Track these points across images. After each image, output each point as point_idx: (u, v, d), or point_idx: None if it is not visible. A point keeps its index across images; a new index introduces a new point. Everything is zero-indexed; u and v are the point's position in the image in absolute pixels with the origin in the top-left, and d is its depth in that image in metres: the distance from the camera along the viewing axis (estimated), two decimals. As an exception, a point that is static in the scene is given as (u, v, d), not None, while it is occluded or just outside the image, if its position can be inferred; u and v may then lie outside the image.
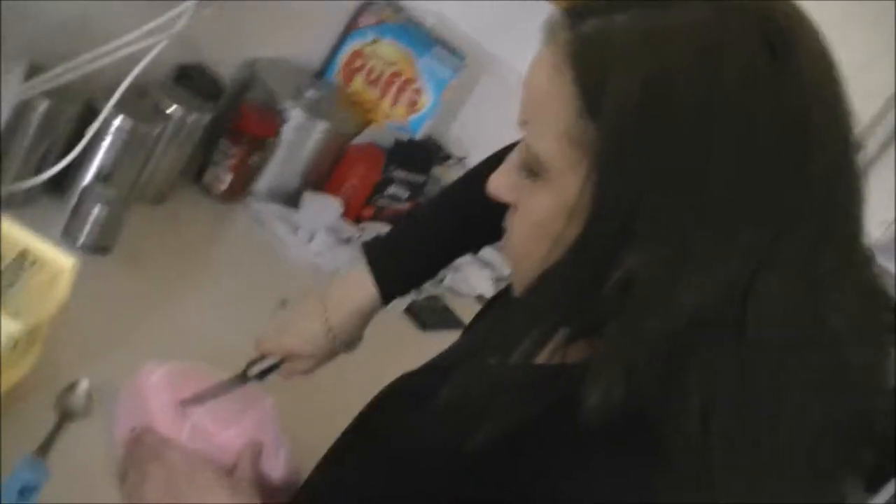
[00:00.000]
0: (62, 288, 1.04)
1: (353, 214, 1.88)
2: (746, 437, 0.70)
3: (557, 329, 0.74)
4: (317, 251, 1.74)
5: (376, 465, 0.90)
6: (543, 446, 0.74)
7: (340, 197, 1.86)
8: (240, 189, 1.76)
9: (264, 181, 1.80)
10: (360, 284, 1.14)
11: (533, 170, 0.76)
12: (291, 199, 1.82)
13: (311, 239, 1.76)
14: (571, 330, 0.74)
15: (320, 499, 0.97)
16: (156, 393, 1.12)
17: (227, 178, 1.71)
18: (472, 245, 1.23)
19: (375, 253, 1.15)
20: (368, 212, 1.90)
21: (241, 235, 1.75)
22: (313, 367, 1.19)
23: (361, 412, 1.02)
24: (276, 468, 1.13)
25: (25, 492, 0.85)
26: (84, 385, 1.14)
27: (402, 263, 1.16)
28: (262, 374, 1.16)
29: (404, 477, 0.84)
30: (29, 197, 1.40)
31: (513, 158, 0.79)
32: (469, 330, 1.12)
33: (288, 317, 1.18)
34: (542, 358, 0.75)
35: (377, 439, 0.94)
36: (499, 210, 0.82)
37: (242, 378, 1.16)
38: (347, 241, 1.82)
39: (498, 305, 1.07)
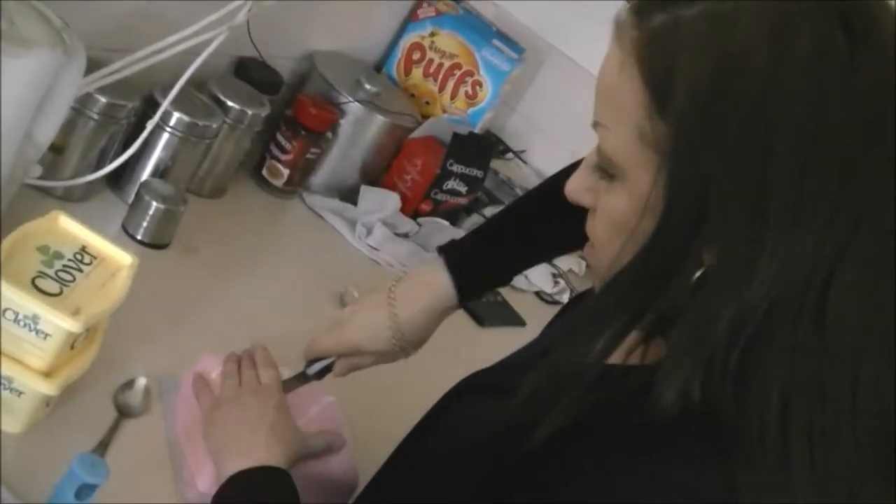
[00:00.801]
0: (121, 284, 1.03)
1: (411, 209, 1.87)
2: (826, 431, 0.68)
3: (633, 325, 0.73)
4: (374, 245, 1.73)
5: (441, 463, 0.89)
6: (614, 443, 0.73)
7: (398, 191, 1.85)
8: (297, 183, 1.75)
9: (322, 175, 1.79)
10: (434, 284, 1.12)
11: (607, 170, 0.75)
12: (349, 193, 1.81)
13: (368, 233, 1.74)
14: (647, 326, 0.73)
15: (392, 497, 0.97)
16: (217, 386, 1.12)
17: (284, 172, 1.70)
18: (555, 249, 1.22)
19: (455, 255, 1.13)
20: (426, 206, 1.88)
21: (298, 229, 1.74)
22: (373, 363, 1.18)
23: (431, 410, 1.02)
24: (339, 463, 1.12)
25: (83, 491, 0.84)
26: (142, 382, 1.13)
27: (481, 266, 1.14)
28: (321, 374, 1.16)
29: (470, 475, 0.83)
30: (88, 192, 1.41)
31: (588, 161, 0.78)
32: (549, 328, 1.10)
33: (350, 311, 1.17)
34: (618, 358, 0.74)
35: (446, 438, 0.93)
36: (579, 215, 0.81)
37: (302, 378, 1.16)
38: (405, 235, 1.80)
39: (578, 304, 1.06)
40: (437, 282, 1.12)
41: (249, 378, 1.11)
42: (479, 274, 1.14)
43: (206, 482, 1.03)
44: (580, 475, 0.73)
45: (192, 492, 1.05)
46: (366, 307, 1.15)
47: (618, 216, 0.74)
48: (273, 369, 1.13)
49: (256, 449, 1.00)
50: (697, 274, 0.69)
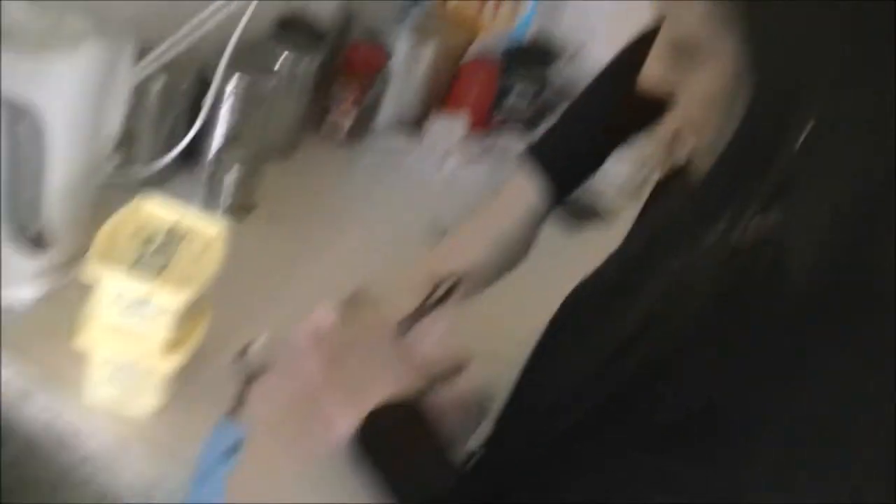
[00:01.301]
0: (215, 254, 1.04)
1: (481, 129, 1.85)
2: None
3: (749, 204, 0.69)
4: (452, 172, 1.72)
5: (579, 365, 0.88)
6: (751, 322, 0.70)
7: (463, 114, 1.83)
8: (362, 128, 1.74)
9: (384, 115, 1.78)
10: (524, 191, 1.12)
11: (684, 53, 0.72)
12: (415, 127, 1.80)
13: (443, 162, 1.74)
14: (759, 204, 0.69)
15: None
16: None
17: (346, 121, 1.70)
18: (629, 133, 1.19)
19: (538, 154, 1.12)
20: (496, 123, 1.87)
21: (373, 174, 1.74)
22: (484, 285, 1.20)
23: (551, 321, 1.00)
24: (468, 383, 1.12)
25: (227, 454, 0.86)
26: (259, 343, 1.15)
27: (569, 158, 1.13)
28: (441, 300, 1.17)
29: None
30: (164, 176, 1.42)
31: (658, 48, 0.75)
32: (642, 219, 1.08)
33: (449, 238, 1.17)
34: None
35: (573, 343, 0.92)
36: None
37: (424, 308, 1.17)
38: (480, 155, 1.79)
39: (674, 191, 1.02)
40: (525, 189, 1.12)
41: (358, 321, 1.11)
42: (566, 166, 1.13)
43: (342, 427, 1.04)
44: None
45: (330, 439, 1.06)
46: (464, 232, 1.17)
47: (709, 94, 0.72)
48: (376, 307, 1.12)
49: (385, 387, 1.00)
50: (803, 137, 0.65)
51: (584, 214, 1.81)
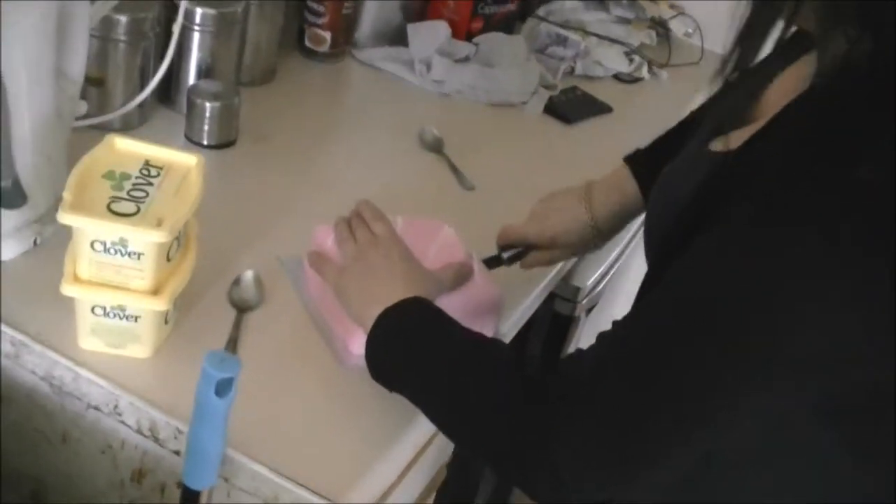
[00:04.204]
0: (195, 186, 1.01)
1: (463, 31, 1.80)
2: None
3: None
4: (438, 78, 1.68)
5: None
6: None
7: (445, 18, 1.78)
8: (343, 42, 1.70)
9: (365, 27, 1.74)
10: (625, 187, 1.19)
11: None
12: (397, 37, 1.76)
13: (429, 69, 1.69)
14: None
15: None
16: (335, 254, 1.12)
17: (326, 36, 1.66)
18: None
19: (639, 162, 1.20)
20: (478, 24, 1.82)
21: (359, 88, 1.71)
22: (561, 259, 1.26)
23: None
24: (476, 288, 1.11)
25: (221, 387, 0.85)
26: (249, 275, 1.13)
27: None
28: (511, 260, 1.22)
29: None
30: (144, 115, 1.39)
31: None
32: None
33: (543, 207, 1.23)
34: None
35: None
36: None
37: (495, 261, 1.21)
38: (465, 59, 1.74)
39: None
40: (627, 186, 1.19)
41: (365, 235, 1.07)
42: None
43: (359, 345, 1.03)
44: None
45: (350, 359, 1.05)
46: (561, 206, 1.22)
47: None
48: (384, 220, 1.09)
49: (393, 296, 0.97)
50: None
51: (591, 107, 1.77)
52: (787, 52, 0.90)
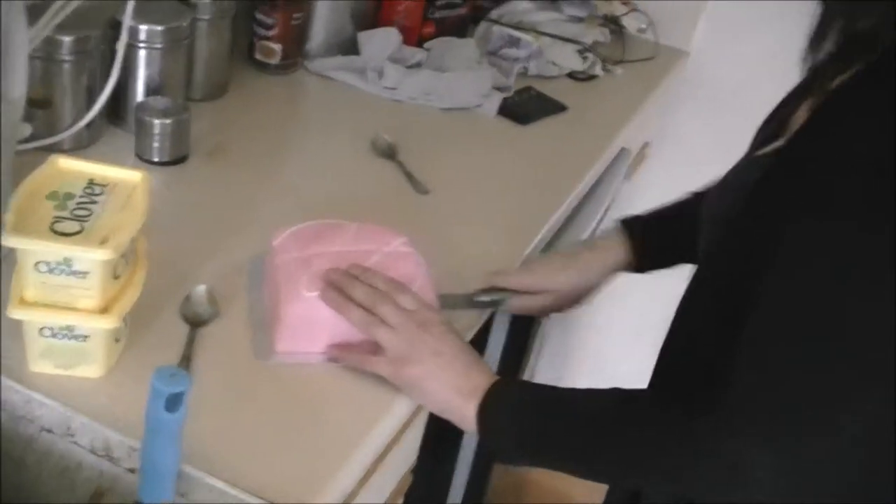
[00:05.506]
0: (140, 202, 1.01)
1: (415, 37, 1.81)
2: None
3: None
4: (390, 85, 1.68)
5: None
6: None
7: (396, 25, 1.78)
8: (295, 54, 1.70)
9: (316, 37, 1.74)
10: (615, 249, 1.25)
11: None
12: (349, 45, 1.76)
13: (381, 76, 1.69)
14: None
15: None
16: (282, 250, 1.13)
17: (277, 48, 1.65)
18: None
19: (634, 228, 1.26)
20: (430, 29, 1.82)
21: (312, 99, 1.70)
22: (541, 309, 1.28)
23: None
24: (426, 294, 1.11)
25: (172, 403, 0.84)
26: (201, 290, 1.12)
27: (656, 244, 1.25)
28: (487, 304, 1.22)
29: None
30: (92, 135, 1.38)
31: None
32: None
33: (537, 260, 1.32)
34: None
35: None
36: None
37: (468, 300, 1.21)
38: (418, 65, 1.74)
39: None
40: (614, 248, 1.25)
41: (399, 316, 1.04)
42: (654, 249, 1.25)
43: (284, 344, 1.06)
44: None
45: (272, 356, 1.07)
46: (546, 260, 1.31)
47: None
48: (405, 290, 1.07)
49: (471, 382, 1.01)
50: None
51: (546, 107, 1.77)
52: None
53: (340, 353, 1.06)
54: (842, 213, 0.81)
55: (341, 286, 1.05)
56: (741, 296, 0.88)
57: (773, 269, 0.85)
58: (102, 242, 0.94)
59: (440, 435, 1.23)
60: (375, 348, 1.04)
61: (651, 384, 1.08)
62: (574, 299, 1.27)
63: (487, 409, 0.99)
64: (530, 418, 0.99)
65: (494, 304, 1.23)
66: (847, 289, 0.81)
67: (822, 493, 0.89)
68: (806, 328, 0.83)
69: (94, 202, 0.99)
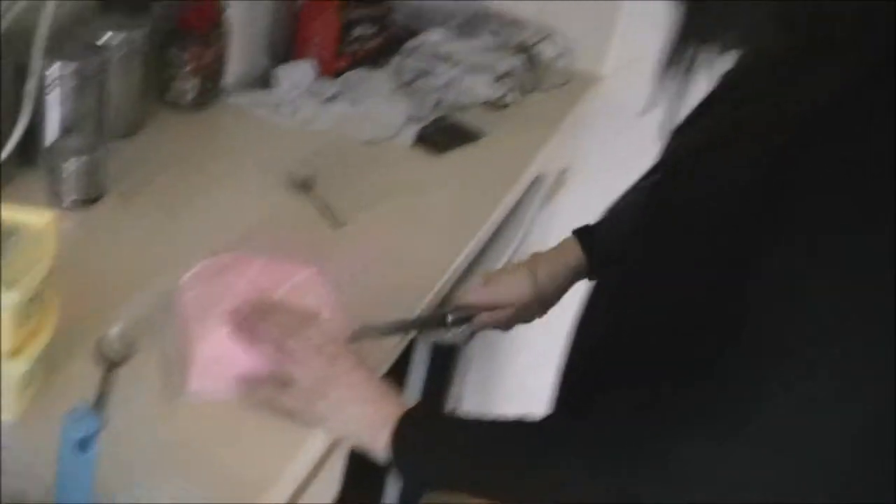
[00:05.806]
0: (49, 244, 1.01)
1: (331, 70, 1.82)
2: None
3: None
4: (306, 119, 1.69)
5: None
6: None
7: (311, 58, 1.80)
8: (210, 90, 1.70)
9: (231, 73, 1.74)
10: (570, 254, 1.29)
11: None
12: (264, 80, 1.77)
13: (297, 109, 1.70)
14: None
15: None
16: (189, 287, 1.14)
17: (191, 85, 1.66)
18: None
19: (585, 234, 1.30)
20: (344, 62, 1.84)
21: (230, 134, 1.71)
22: (510, 321, 1.31)
23: None
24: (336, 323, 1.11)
25: (84, 444, 0.84)
26: (116, 331, 1.12)
27: (609, 243, 1.25)
28: (455, 323, 1.27)
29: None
30: (6, 178, 1.37)
31: None
32: None
33: (495, 274, 1.35)
34: None
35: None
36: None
37: (386, 329, 1.22)
38: (334, 97, 1.76)
39: None
40: (572, 252, 1.29)
41: (306, 352, 1.05)
42: (607, 249, 1.25)
43: (195, 384, 1.07)
44: None
45: (187, 394, 1.08)
46: (507, 271, 1.34)
47: None
48: (311, 323, 1.08)
49: (382, 412, 1.02)
50: None
51: (462, 136, 1.79)
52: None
53: (251, 389, 1.07)
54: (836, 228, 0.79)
55: (249, 322, 1.06)
56: (708, 308, 0.86)
57: (768, 287, 0.82)
58: (11, 285, 0.94)
59: (366, 465, 1.24)
60: (285, 383, 1.05)
61: (559, 404, 1.09)
62: (541, 308, 1.31)
63: (398, 438, 1.00)
64: (441, 445, 1.00)
65: (464, 320, 1.28)
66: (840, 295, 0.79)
67: (815, 491, 0.87)
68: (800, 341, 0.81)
69: (1, 246, 0.99)
